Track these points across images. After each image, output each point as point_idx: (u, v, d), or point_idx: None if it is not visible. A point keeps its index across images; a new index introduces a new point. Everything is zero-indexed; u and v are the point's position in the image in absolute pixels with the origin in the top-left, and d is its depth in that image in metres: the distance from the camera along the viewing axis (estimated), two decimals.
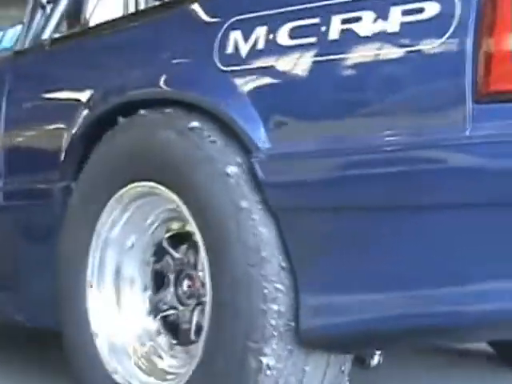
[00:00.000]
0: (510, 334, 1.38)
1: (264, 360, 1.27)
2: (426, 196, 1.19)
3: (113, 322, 1.61)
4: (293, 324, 1.30)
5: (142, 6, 2.12)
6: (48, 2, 2.27)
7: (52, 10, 2.17)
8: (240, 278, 1.31)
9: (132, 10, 2.19)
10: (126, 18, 1.91)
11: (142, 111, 1.52)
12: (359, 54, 1.27)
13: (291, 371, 1.32)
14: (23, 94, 2.01)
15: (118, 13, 2.30)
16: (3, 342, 2.53)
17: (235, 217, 1.32)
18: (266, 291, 1.28)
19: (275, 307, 1.27)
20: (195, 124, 1.42)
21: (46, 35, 2.07)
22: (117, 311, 1.62)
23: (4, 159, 2.03)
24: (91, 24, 2.23)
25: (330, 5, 1.35)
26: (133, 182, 1.54)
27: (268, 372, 1.27)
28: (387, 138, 1.21)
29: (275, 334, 1.28)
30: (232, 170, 1.34)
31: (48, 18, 2.13)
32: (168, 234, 1.57)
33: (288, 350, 1.30)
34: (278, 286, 1.28)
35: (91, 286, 1.59)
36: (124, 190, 1.57)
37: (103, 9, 2.33)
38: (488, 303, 1.19)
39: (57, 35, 2.07)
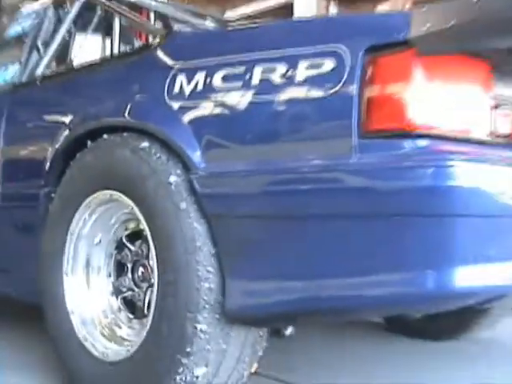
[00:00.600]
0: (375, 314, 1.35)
1: (198, 326, 1.35)
2: (320, 207, 1.26)
3: (83, 301, 1.67)
4: (221, 299, 1.37)
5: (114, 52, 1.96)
6: (42, 44, 2.29)
7: (44, 51, 2.21)
8: (180, 263, 1.39)
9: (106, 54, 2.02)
10: (99, 62, 2.01)
11: (105, 135, 1.61)
12: (274, 97, 1.34)
13: (219, 335, 1.39)
14: (19, 117, 2.08)
15: (95, 56, 2.28)
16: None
17: (176, 216, 1.40)
18: (199, 273, 1.36)
19: (207, 285, 1.36)
20: (144, 144, 1.50)
21: (39, 71, 2.15)
22: (87, 293, 1.68)
23: (2, 168, 2.08)
24: (74, 63, 2.30)
25: (253, 58, 1.42)
26: (98, 190, 1.62)
27: (201, 335, 1.36)
28: (295, 163, 1.29)
29: (207, 306, 1.36)
30: (173, 179, 1.43)
31: (41, 58, 2.19)
32: (126, 232, 1.65)
33: (217, 319, 1.37)
34: (209, 268, 1.36)
35: (66, 274, 1.67)
36: (92, 197, 1.64)
37: (84, 52, 2.39)
38: (356, 292, 1.26)
39: (47, 72, 2.14)
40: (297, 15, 5.87)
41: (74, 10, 2.17)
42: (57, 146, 1.75)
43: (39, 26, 2.24)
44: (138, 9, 2.38)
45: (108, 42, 2.20)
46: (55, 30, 2.21)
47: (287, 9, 6.14)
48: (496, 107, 1.29)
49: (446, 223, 1.13)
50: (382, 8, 5.22)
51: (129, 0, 2.25)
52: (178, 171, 1.43)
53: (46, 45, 2.19)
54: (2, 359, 1.95)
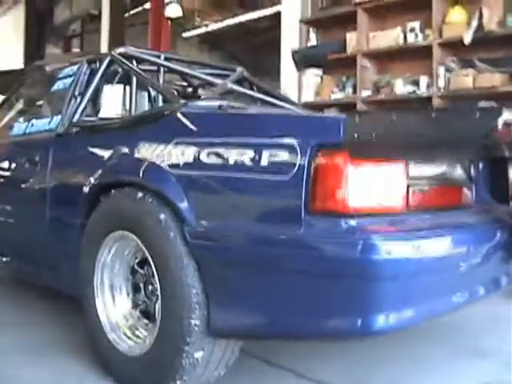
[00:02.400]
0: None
1: (192, 322, 1.58)
2: (276, 263, 1.46)
3: (110, 311, 1.93)
4: (206, 319, 1.60)
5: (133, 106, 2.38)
6: (78, 95, 2.42)
7: (80, 101, 2.38)
8: (175, 280, 1.62)
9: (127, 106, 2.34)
10: (118, 123, 2.19)
11: (116, 189, 1.86)
12: (245, 175, 1.52)
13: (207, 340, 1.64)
14: (60, 161, 2.30)
15: (118, 103, 2.55)
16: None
17: (170, 247, 1.63)
18: (190, 288, 1.59)
19: (195, 300, 1.59)
20: (141, 195, 1.74)
21: (75, 119, 2.33)
22: (113, 306, 1.94)
23: (50, 198, 2.28)
24: (102, 111, 2.48)
25: (231, 142, 1.60)
26: (114, 230, 1.87)
27: (196, 328, 1.59)
28: (258, 228, 1.48)
29: (197, 323, 1.59)
30: (163, 217, 1.66)
31: (77, 107, 2.36)
32: (136, 260, 1.90)
33: (206, 333, 1.62)
34: (197, 287, 1.59)
35: (97, 295, 1.93)
36: (110, 235, 1.89)
37: (110, 101, 2.55)
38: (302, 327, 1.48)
39: (80, 123, 2.32)
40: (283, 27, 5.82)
41: (102, 67, 2.40)
42: (87, 189, 2.03)
43: (76, 81, 2.46)
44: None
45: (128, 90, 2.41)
46: (88, 84, 2.42)
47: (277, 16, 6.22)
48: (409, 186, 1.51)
49: (368, 284, 1.37)
50: (350, 36, 5.26)
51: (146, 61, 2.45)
52: (168, 213, 1.67)
53: (82, 96, 2.40)
54: (52, 343, 2.23)
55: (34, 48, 11.57)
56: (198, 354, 1.61)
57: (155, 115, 1.96)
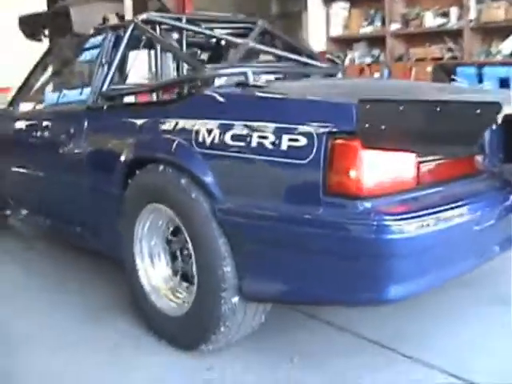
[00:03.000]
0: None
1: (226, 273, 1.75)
2: (297, 240, 1.59)
3: (151, 275, 2.10)
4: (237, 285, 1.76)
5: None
6: (105, 64, 2.49)
7: (108, 71, 2.44)
8: (206, 246, 1.78)
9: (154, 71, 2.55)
10: (145, 106, 2.34)
11: (150, 165, 1.99)
12: (266, 158, 1.64)
13: (241, 303, 1.79)
14: (93, 134, 2.41)
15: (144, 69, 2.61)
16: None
17: (199, 218, 1.78)
18: (221, 253, 1.74)
19: (226, 263, 1.75)
20: (173, 171, 1.89)
21: (104, 88, 2.41)
22: (153, 270, 2.10)
23: (86, 169, 2.41)
24: (129, 77, 2.58)
25: (252, 125, 1.69)
26: (149, 203, 2.01)
27: (229, 283, 1.75)
28: (280, 207, 1.62)
29: (229, 287, 1.76)
30: (195, 194, 1.80)
31: (106, 76, 2.43)
32: (170, 230, 2.04)
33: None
34: (226, 254, 1.75)
35: (137, 262, 2.10)
36: (145, 208, 2.03)
37: (137, 68, 2.60)
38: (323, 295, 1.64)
39: (108, 100, 2.41)
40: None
41: (126, 35, 2.45)
42: (122, 163, 2.14)
43: (102, 51, 2.52)
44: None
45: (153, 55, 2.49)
46: (114, 53, 2.48)
47: None
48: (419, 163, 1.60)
49: (383, 261, 1.49)
50: None
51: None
52: (198, 190, 1.80)
53: (109, 65, 2.47)
54: (99, 301, 2.43)
55: None
56: (235, 299, 1.75)
57: (181, 87, 2.09)
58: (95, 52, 2.56)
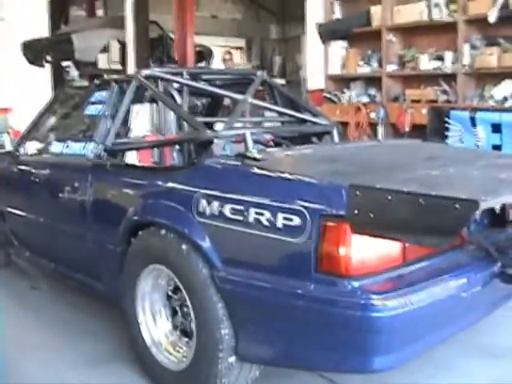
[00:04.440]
0: None
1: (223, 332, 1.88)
2: (288, 312, 1.74)
3: (153, 331, 2.24)
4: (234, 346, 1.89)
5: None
6: (109, 118, 2.66)
7: (112, 124, 2.60)
8: (205, 313, 1.91)
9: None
10: (150, 169, 2.50)
11: (153, 228, 2.12)
12: (262, 233, 1.77)
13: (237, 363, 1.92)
14: (98, 189, 2.54)
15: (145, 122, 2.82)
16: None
17: (198, 283, 1.92)
18: (218, 314, 1.88)
19: (223, 325, 1.88)
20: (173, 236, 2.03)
21: (109, 141, 2.56)
22: (155, 326, 2.24)
23: (91, 219, 2.54)
24: (132, 130, 2.75)
25: (251, 201, 1.83)
26: (151, 263, 2.15)
27: (226, 337, 1.87)
28: (275, 281, 1.75)
29: (227, 347, 1.88)
30: (195, 261, 1.93)
31: (109, 129, 2.59)
32: (170, 288, 2.16)
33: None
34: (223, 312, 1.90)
35: (140, 319, 2.23)
36: (147, 267, 2.17)
37: (138, 125, 2.79)
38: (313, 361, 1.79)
39: (112, 157, 2.56)
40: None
41: (129, 90, 2.62)
42: (126, 220, 2.26)
43: (106, 104, 2.70)
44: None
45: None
46: (117, 107, 2.64)
47: None
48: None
49: (368, 336, 1.61)
50: (374, 9, 5.48)
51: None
52: (198, 257, 1.93)
53: (112, 119, 2.63)
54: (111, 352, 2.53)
55: (58, 11, 11.68)
56: (231, 359, 1.87)
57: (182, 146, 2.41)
58: (99, 106, 2.71)
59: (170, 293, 2.16)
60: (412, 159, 2.31)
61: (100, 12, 12.25)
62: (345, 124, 5.47)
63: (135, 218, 2.20)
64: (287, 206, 1.71)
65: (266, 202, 1.76)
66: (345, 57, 6.14)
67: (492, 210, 1.55)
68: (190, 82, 2.76)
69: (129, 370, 2.32)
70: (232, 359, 1.88)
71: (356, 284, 1.60)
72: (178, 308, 2.14)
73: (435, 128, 4.93)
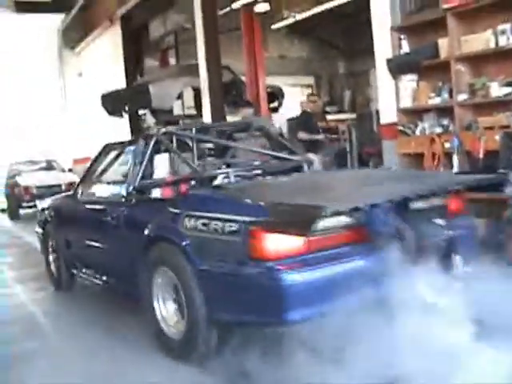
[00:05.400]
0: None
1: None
2: (240, 287, 3.48)
3: (163, 311, 4.11)
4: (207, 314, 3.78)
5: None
6: (137, 165, 4.67)
7: (139, 170, 4.62)
8: (190, 296, 3.69)
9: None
10: (158, 201, 4.62)
11: (161, 242, 4.04)
12: (218, 237, 3.53)
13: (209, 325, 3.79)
14: (128, 220, 4.54)
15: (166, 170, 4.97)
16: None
17: (186, 276, 3.72)
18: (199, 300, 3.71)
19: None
20: (173, 247, 3.90)
21: (136, 183, 4.55)
22: (165, 309, 4.10)
23: (125, 240, 4.56)
24: (155, 176, 4.88)
25: (212, 216, 3.64)
26: (159, 266, 4.04)
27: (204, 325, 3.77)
28: (227, 268, 3.51)
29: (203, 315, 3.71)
30: (183, 261, 3.75)
31: (137, 174, 4.59)
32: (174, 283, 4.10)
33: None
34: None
35: (155, 306, 4.10)
36: (158, 269, 4.07)
37: (160, 169, 4.91)
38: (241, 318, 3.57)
39: (139, 195, 4.58)
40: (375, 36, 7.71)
41: (151, 144, 4.69)
42: (144, 239, 4.15)
43: (134, 156, 4.77)
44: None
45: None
46: (143, 157, 4.70)
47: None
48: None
49: (281, 298, 3.26)
50: (442, 41, 6.81)
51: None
52: (185, 258, 3.76)
53: (139, 165, 4.67)
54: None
55: (133, 63, 14.39)
56: (206, 323, 3.61)
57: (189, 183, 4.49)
58: (130, 157, 4.82)
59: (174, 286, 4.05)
60: (337, 183, 4.17)
61: (172, 61, 14.83)
62: (421, 155, 6.92)
63: (151, 234, 4.13)
64: (232, 217, 3.49)
65: (220, 216, 3.57)
66: (415, 89, 7.45)
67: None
68: (194, 135, 4.83)
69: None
70: (206, 323, 3.64)
71: (271, 265, 3.29)
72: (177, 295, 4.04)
73: (508, 153, 6.00)
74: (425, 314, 3.07)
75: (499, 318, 3.15)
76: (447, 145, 6.63)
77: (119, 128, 13.73)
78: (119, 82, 14.50)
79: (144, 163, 4.61)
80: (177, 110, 12.50)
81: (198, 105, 11.88)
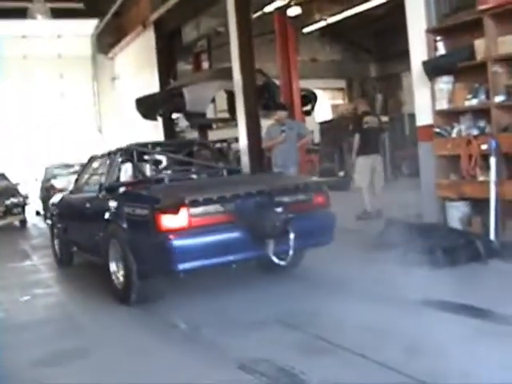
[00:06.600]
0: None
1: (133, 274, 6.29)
2: (149, 250, 5.55)
3: (113, 267, 5.92)
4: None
5: None
6: (107, 171, 6.94)
7: (107, 175, 6.67)
8: (126, 256, 5.54)
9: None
10: (114, 196, 6.46)
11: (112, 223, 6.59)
12: (138, 219, 5.54)
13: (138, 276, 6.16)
14: (96, 208, 6.41)
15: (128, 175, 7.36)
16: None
17: (123, 243, 5.70)
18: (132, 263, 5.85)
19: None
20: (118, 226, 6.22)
21: (105, 184, 6.52)
22: (115, 266, 5.88)
23: (97, 221, 6.37)
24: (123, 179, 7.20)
25: (135, 205, 5.74)
26: (112, 238, 5.96)
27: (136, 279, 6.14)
28: (144, 237, 5.61)
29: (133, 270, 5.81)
30: (122, 233, 5.78)
31: (106, 178, 6.60)
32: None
33: None
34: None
35: (110, 263, 6.01)
36: (111, 239, 6.06)
37: (125, 175, 7.13)
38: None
39: (107, 194, 6.55)
40: (411, 38, 7.79)
41: (117, 157, 6.73)
42: (104, 219, 6.13)
43: (108, 163, 6.96)
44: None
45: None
46: (113, 164, 6.74)
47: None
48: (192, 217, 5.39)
49: (173, 255, 5.11)
50: (478, 43, 6.78)
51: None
52: (123, 232, 5.81)
53: (109, 172, 6.77)
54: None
55: (166, 67, 14.16)
56: (136, 276, 5.62)
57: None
58: (103, 166, 7.37)
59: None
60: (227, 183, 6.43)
61: (205, 65, 14.60)
62: (457, 157, 7.12)
63: (108, 218, 6.19)
64: (145, 205, 5.48)
65: (140, 205, 5.55)
66: (451, 91, 7.02)
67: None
68: (149, 151, 6.91)
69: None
70: (136, 276, 5.64)
71: (166, 235, 5.22)
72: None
73: None
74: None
75: None
76: (484, 146, 6.82)
77: (154, 131, 13.62)
78: (153, 86, 15.33)
79: (113, 170, 6.91)
80: (209, 114, 13.09)
81: (231, 108, 12.31)
